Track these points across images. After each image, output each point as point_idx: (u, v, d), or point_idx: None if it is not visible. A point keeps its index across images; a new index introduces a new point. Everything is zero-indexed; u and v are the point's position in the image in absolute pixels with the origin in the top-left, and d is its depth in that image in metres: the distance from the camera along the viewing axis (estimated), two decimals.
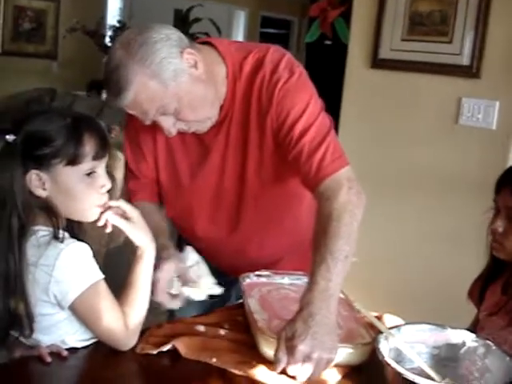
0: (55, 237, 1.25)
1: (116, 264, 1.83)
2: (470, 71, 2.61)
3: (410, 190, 2.86)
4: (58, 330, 1.29)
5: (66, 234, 1.28)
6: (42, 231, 1.27)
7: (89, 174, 1.28)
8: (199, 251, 1.54)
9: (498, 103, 2.55)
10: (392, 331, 1.22)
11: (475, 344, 1.23)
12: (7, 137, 1.25)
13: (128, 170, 1.71)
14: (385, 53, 2.87)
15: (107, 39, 7.22)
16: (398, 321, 1.48)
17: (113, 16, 8.20)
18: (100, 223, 1.32)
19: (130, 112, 1.44)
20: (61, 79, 7.39)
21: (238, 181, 1.58)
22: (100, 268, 1.29)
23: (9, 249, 1.23)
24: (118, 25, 7.31)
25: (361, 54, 2.97)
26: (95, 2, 7.90)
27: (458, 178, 2.70)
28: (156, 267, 1.38)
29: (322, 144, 1.45)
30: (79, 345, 1.31)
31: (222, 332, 1.37)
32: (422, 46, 2.75)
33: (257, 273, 1.56)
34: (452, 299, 2.23)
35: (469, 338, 1.24)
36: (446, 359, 1.24)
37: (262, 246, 1.66)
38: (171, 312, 1.73)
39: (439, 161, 2.76)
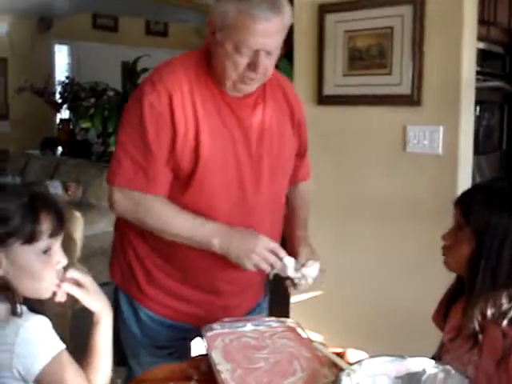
0: (13, 313, 1.25)
1: (84, 324, 1.82)
2: (412, 100, 2.68)
3: (366, 219, 2.90)
4: None
5: (24, 308, 1.28)
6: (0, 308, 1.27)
7: (45, 252, 1.29)
8: None
9: (441, 128, 2.62)
10: (354, 367, 1.24)
11: (435, 370, 1.25)
12: None
13: (146, 156, 1.63)
14: (329, 89, 2.95)
15: (57, 96, 7.22)
16: (362, 355, 1.49)
17: (61, 72, 8.23)
18: (57, 298, 1.32)
19: (257, 40, 1.54)
20: (13, 139, 7.36)
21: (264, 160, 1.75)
22: (67, 330, 1.29)
23: None
24: (66, 80, 7.33)
25: (306, 92, 3.03)
26: (42, 60, 7.93)
27: (412, 204, 2.76)
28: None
29: None
30: None
31: None
32: (364, 79, 2.83)
33: (219, 322, 1.56)
34: (417, 326, 2.26)
35: (429, 365, 1.26)
36: None
37: (271, 230, 1.76)
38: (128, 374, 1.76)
39: (392, 189, 2.81)
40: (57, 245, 1.32)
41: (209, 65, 1.68)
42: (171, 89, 1.61)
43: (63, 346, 1.28)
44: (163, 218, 1.65)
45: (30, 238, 1.26)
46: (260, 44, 1.55)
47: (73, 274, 1.34)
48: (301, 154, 1.94)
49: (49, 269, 1.30)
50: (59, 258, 1.32)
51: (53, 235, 1.30)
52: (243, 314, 1.78)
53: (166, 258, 1.72)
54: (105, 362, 1.33)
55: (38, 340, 1.24)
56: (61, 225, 1.32)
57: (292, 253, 1.73)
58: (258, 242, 1.61)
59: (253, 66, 1.58)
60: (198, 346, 1.90)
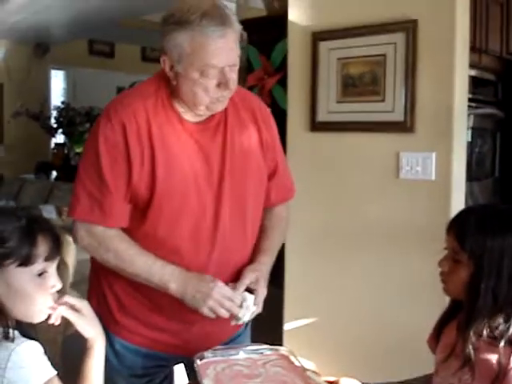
0: (5, 337, 1.24)
1: (75, 350, 1.81)
2: (405, 126, 2.70)
3: (359, 245, 2.90)
4: None
5: (16, 333, 1.27)
6: None
7: (40, 275, 1.30)
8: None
9: (434, 155, 2.64)
10: None
11: None
12: None
13: (102, 189, 1.63)
14: (322, 116, 2.96)
15: (52, 120, 7.24)
16: (356, 383, 1.48)
17: (56, 97, 8.26)
18: (51, 321, 1.33)
19: (219, 58, 1.55)
20: (8, 163, 7.36)
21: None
22: (58, 356, 1.28)
23: None
24: (62, 105, 7.35)
25: (300, 119, 3.05)
26: (38, 85, 7.97)
27: (406, 230, 2.76)
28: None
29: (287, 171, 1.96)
30: None
31: None
32: (357, 106, 2.85)
33: (212, 349, 1.55)
34: (410, 352, 2.25)
35: None
36: None
37: (240, 257, 1.76)
38: None
39: (386, 215, 2.81)
40: (52, 268, 1.33)
41: (169, 91, 1.67)
42: (125, 120, 1.61)
43: (54, 372, 1.27)
44: (122, 256, 1.65)
45: (26, 261, 1.27)
46: (223, 61, 1.56)
47: (69, 299, 1.35)
48: (271, 175, 1.87)
49: (43, 292, 1.30)
50: (54, 282, 1.33)
51: (49, 259, 1.30)
52: (222, 343, 1.75)
53: (136, 288, 1.71)
54: None
55: (30, 365, 1.23)
56: (57, 249, 1.33)
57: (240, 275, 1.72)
58: (214, 289, 1.60)
59: (223, 85, 1.59)
60: (180, 374, 1.89)
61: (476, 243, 1.41)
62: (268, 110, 1.90)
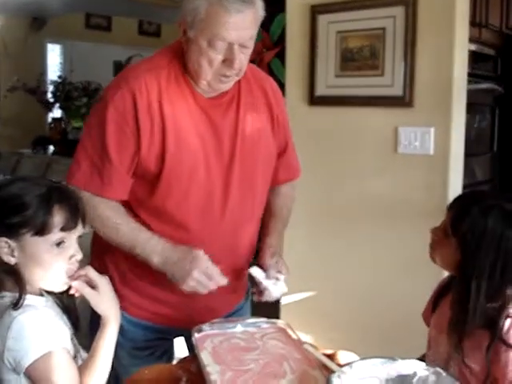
0: (14, 304, 1.26)
1: None
2: (404, 101, 2.69)
3: (357, 219, 2.91)
4: None
5: (29, 301, 1.28)
6: (8, 297, 1.29)
7: (58, 244, 1.29)
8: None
9: (432, 129, 2.63)
10: (344, 369, 1.23)
11: (426, 373, 1.25)
12: None
13: (103, 158, 1.62)
14: (321, 90, 2.95)
15: (49, 95, 7.19)
16: (353, 357, 1.48)
17: (53, 71, 8.20)
18: (71, 292, 1.34)
19: (230, 32, 1.52)
20: (4, 138, 7.32)
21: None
22: None
23: None
24: (58, 80, 7.30)
25: (298, 93, 3.03)
26: (35, 59, 7.91)
27: (404, 204, 2.76)
28: None
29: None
30: None
31: None
32: (356, 80, 2.84)
33: (209, 323, 1.55)
34: (408, 327, 2.26)
35: (420, 368, 1.26)
36: None
37: (247, 234, 1.78)
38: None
39: (384, 189, 2.82)
40: (71, 238, 1.32)
41: (182, 64, 1.66)
42: (136, 90, 1.60)
43: (59, 345, 1.27)
44: (108, 223, 1.64)
45: (41, 230, 1.27)
46: (234, 37, 1.54)
47: (89, 272, 1.35)
48: (280, 154, 1.89)
49: (60, 262, 1.30)
50: (73, 252, 1.32)
51: (65, 229, 1.30)
52: (223, 316, 1.75)
53: (138, 260, 1.70)
54: (102, 368, 1.33)
55: (30, 335, 1.24)
56: (75, 219, 1.32)
57: (260, 261, 1.73)
58: (195, 266, 1.57)
59: (228, 61, 1.56)
60: (180, 346, 1.90)
61: (461, 228, 1.42)
62: (279, 89, 1.90)
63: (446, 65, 2.59)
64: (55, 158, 6.35)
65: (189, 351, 1.81)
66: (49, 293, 1.37)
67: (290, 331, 1.54)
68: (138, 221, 1.66)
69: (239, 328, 1.56)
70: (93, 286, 1.35)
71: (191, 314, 1.73)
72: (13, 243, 1.27)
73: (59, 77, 7.48)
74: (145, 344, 1.79)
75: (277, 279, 1.68)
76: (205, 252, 1.60)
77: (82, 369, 1.31)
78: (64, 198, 1.32)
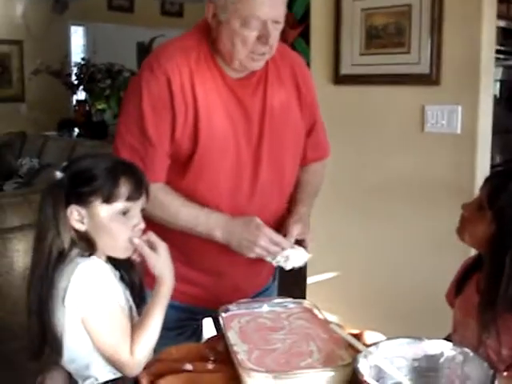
0: (80, 255, 1.36)
1: None
2: (430, 79, 2.65)
3: (384, 198, 2.89)
4: (83, 361, 1.38)
5: (98, 261, 1.38)
6: (76, 252, 1.38)
7: (124, 213, 1.39)
8: None
9: (460, 108, 2.59)
10: (370, 349, 1.22)
11: (453, 353, 1.23)
12: (57, 173, 1.38)
13: (144, 143, 1.64)
14: (346, 68, 2.92)
15: (73, 77, 7.21)
16: (379, 337, 1.48)
17: (77, 53, 8.22)
18: (133, 257, 1.43)
19: (265, 10, 1.53)
20: (30, 121, 7.37)
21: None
22: None
23: (45, 275, 1.34)
24: (82, 62, 7.32)
25: (323, 72, 3.00)
26: (58, 41, 7.92)
27: (430, 184, 2.74)
28: None
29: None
30: (106, 377, 1.38)
31: (210, 366, 1.37)
32: (381, 58, 2.80)
33: (236, 303, 1.56)
34: (435, 307, 2.24)
35: (447, 348, 1.25)
36: (427, 370, 1.24)
37: (275, 213, 1.77)
38: None
39: (411, 168, 2.79)
40: (135, 209, 1.41)
41: (210, 44, 1.66)
42: (170, 72, 1.60)
43: (116, 298, 1.36)
44: (167, 208, 1.66)
45: (108, 199, 1.36)
46: (268, 14, 1.54)
47: (151, 236, 1.43)
48: (308, 133, 1.87)
49: (124, 229, 1.39)
50: (136, 221, 1.41)
51: (130, 199, 1.39)
52: (251, 296, 1.76)
53: (169, 241, 1.71)
54: (153, 328, 1.38)
55: (90, 283, 1.32)
56: (139, 191, 1.40)
57: (284, 226, 1.73)
58: (260, 235, 1.61)
59: (263, 37, 1.57)
60: (209, 327, 1.91)
61: (501, 205, 1.39)
62: (307, 67, 1.89)
63: (474, 42, 2.54)
64: (80, 140, 6.38)
65: (216, 331, 1.82)
66: (116, 268, 1.46)
67: (316, 311, 1.54)
68: None
69: (266, 308, 1.56)
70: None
71: (218, 295, 1.74)
72: (82, 210, 1.37)
73: (82, 59, 7.49)
74: (175, 324, 1.80)
75: (292, 247, 1.67)
76: None
77: (135, 328, 1.37)
78: (129, 171, 1.41)
